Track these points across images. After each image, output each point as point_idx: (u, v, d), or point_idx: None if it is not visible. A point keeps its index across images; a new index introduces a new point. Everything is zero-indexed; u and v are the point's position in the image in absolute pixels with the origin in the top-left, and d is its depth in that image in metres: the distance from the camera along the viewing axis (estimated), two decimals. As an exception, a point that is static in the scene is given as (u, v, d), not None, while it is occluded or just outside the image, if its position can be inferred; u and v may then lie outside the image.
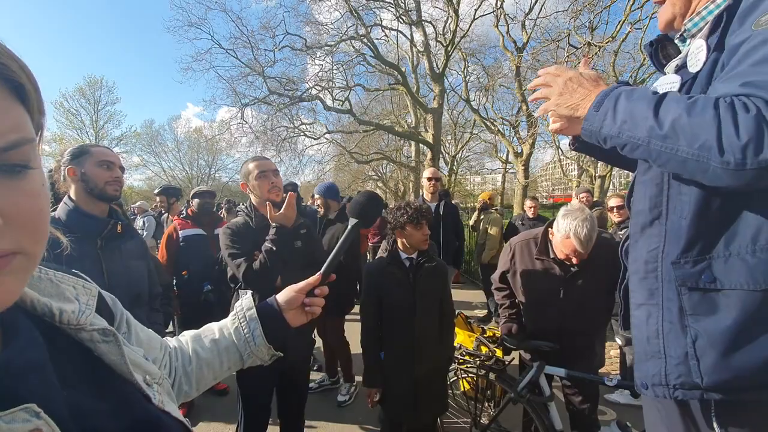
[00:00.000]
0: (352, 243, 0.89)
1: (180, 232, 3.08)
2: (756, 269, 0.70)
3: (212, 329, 0.78)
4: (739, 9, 0.72)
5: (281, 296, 0.81)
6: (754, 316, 0.70)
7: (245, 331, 0.76)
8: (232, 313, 0.79)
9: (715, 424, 0.77)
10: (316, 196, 3.50)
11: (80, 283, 0.47)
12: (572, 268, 1.86)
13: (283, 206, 1.80)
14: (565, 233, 1.76)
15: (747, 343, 0.71)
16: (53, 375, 0.35)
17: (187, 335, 0.77)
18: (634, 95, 0.73)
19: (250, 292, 1.07)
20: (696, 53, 0.78)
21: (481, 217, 5.53)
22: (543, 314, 1.98)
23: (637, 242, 0.89)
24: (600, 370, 2.07)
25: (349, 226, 0.91)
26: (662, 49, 0.92)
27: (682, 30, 0.84)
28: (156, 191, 4.66)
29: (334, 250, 0.86)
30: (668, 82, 0.83)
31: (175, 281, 3.05)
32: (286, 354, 1.85)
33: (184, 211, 3.41)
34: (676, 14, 0.84)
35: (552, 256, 1.92)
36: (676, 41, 0.90)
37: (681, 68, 0.84)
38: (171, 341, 0.74)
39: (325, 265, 0.84)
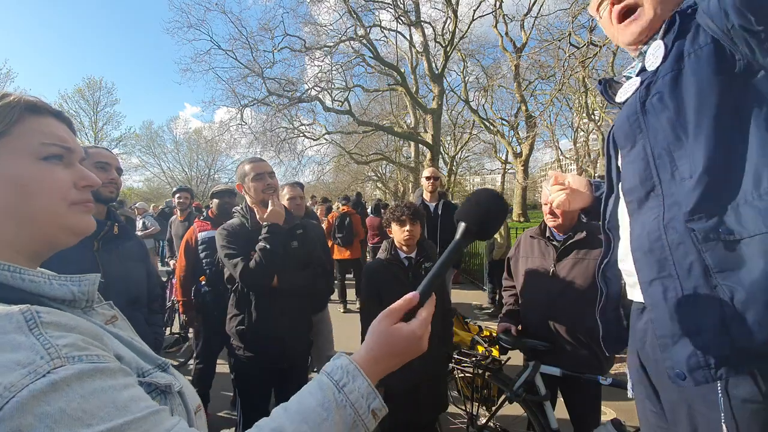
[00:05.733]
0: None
1: (198, 235, 2.88)
2: (767, 211, 0.70)
3: None
4: None
5: None
6: None
7: None
8: None
9: (721, 404, 0.75)
10: None
11: None
12: (564, 244, 1.92)
13: (269, 205, 1.84)
14: (544, 198, 1.93)
15: None
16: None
17: None
18: None
19: None
20: (654, 53, 0.86)
21: None
22: (533, 296, 2.04)
23: (636, 219, 0.90)
24: (611, 371, 2.08)
25: (458, 234, 0.69)
26: (610, 87, 1.03)
27: (638, 53, 0.95)
28: (176, 189, 4.60)
29: (437, 266, 0.68)
30: (631, 84, 0.93)
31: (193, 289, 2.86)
32: (285, 354, 1.88)
33: (204, 213, 3.17)
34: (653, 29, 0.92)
35: (547, 235, 2.01)
36: (624, 73, 1.03)
37: (641, 71, 0.92)
38: None
39: (425, 284, 0.68)
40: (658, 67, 0.85)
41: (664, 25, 0.87)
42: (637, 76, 0.93)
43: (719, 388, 0.76)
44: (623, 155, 0.95)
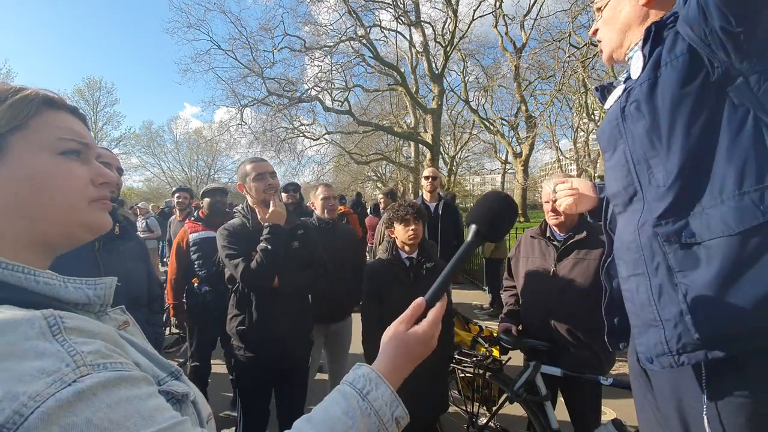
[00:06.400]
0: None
1: (190, 236, 2.80)
2: (727, 216, 0.75)
3: None
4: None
5: None
6: (736, 260, 0.74)
7: None
8: None
9: (704, 397, 0.79)
10: None
11: None
12: (565, 243, 1.92)
13: (270, 206, 1.83)
14: (544, 197, 1.92)
15: (735, 286, 0.74)
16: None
17: None
18: None
19: None
20: (635, 63, 0.92)
21: None
22: (533, 296, 2.04)
23: (621, 220, 0.98)
24: (611, 371, 2.08)
25: (470, 236, 0.71)
26: (607, 92, 1.08)
27: (626, 59, 1.00)
28: (175, 189, 4.60)
29: (448, 268, 0.69)
30: (618, 91, 1.00)
31: (186, 290, 2.84)
32: (285, 355, 1.87)
33: (195, 213, 3.11)
34: (612, 49, 1.01)
35: (548, 235, 2.01)
36: (619, 77, 1.09)
37: (627, 79, 0.98)
38: None
39: (433, 289, 0.69)
40: (639, 76, 0.89)
41: (642, 36, 0.90)
42: (624, 83, 0.97)
43: (704, 381, 0.80)
44: (605, 159, 0.99)
